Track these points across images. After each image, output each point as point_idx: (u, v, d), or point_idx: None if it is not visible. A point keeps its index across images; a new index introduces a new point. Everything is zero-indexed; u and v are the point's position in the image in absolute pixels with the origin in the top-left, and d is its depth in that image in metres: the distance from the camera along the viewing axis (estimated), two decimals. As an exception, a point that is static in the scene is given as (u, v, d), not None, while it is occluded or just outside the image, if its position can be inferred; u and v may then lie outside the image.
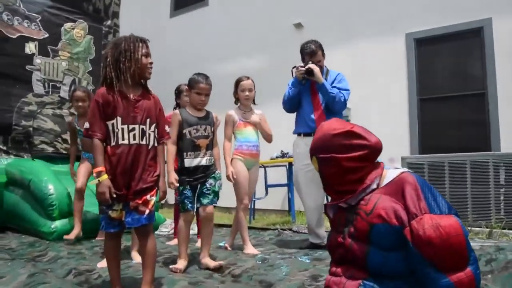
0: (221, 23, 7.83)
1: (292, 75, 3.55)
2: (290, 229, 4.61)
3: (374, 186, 1.67)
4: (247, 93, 3.48)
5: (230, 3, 7.85)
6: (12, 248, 3.54)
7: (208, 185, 2.87)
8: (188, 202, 2.85)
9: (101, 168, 2.03)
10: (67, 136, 5.20)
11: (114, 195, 2.04)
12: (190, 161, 2.84)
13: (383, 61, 5.94)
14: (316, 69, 3.38)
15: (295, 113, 3.71)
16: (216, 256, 3.06)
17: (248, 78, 3.54)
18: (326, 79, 3.53)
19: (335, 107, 3.45)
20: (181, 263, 2.79)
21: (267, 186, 5.92)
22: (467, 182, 4.16)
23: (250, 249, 3.31)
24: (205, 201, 2.85)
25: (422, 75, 5.73)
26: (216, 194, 2.93)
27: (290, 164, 5.58)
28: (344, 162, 1.67)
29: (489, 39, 5.20)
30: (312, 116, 3.49)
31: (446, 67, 5.62)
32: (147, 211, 2.10)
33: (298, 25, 6.81)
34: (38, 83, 5.15)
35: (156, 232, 4.42)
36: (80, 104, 3.95)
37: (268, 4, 7.27)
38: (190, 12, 8.45)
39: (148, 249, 2.14)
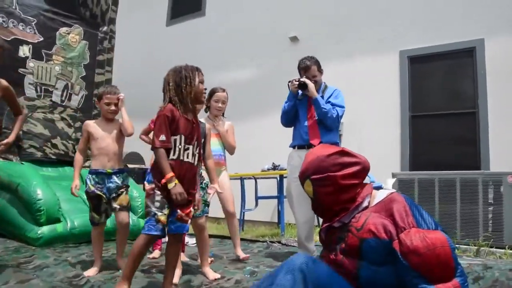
0: (217, 33, 7.86)
1: (289, 89, 3.57)
2: (279, 242, 4.59)
3: (366, 203, 1.74)
4: (220, 104, 3.57)
5: (227, 13, 7.89)
6: (-3, 253, 3.48)
7: None
8: None
9: (171, 174, 2.22)
10: (57, 141, 5.15)
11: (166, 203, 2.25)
12: None
13: (376, 78, 5.99)
14: (310, 84, 3.40)
15: (287, 126, 3.71)
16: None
17: (223, 90, 3.63)
18: (323, 95, 3.55)
19: (327, 122, 3.45)
20: (175, 273, 2.74)
21: (257, 198, 5.90)
22: (457, 199, 4.19)
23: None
24: (196, 213, 2.83)
25: (414, 92, 5.78)
26: (206, 204, 2.92)
27: (281, 176, 5.58)
28: (340, 179, 1.72)
29: (481, 59, 5.28)
30: (306, 129, 3.49)
31: (438, 85, 5.69)
32: (189, 221, 2.43)
33: (294, 39, 6.85)
34: (30, 86, 5.10)
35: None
36: None
37: (264, 17, 7.31)
38: (187, 22, 8.47)
39: (177, 252, 2.44)
